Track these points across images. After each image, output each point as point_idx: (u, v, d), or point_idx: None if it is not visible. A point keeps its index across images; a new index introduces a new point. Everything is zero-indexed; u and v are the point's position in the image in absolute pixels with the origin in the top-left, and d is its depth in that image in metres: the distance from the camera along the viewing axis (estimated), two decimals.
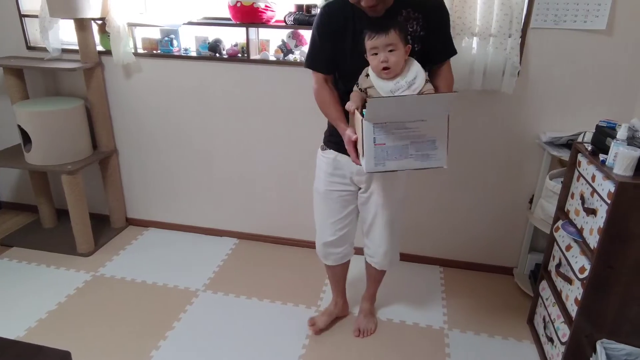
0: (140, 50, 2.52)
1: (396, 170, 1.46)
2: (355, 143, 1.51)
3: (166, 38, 2.46)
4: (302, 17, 2.26)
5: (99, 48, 2.52)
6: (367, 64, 1.51)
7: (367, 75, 1.52)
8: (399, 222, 1.90)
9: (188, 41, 2.54)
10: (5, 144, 2.80)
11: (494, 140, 2.31)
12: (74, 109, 2.48)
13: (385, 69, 1.45)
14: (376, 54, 1.45)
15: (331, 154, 1.78)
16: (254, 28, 2.37)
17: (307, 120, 2.46)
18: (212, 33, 2.48)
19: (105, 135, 2.65)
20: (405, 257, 2.63)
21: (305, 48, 2.40)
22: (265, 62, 2.39)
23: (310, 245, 2.72)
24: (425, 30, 1.57)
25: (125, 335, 2.03)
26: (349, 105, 1.51)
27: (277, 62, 2.38)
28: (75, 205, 2.51)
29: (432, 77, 1.58)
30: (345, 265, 2.07)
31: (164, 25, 2.41)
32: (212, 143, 2.64)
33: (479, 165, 2.37)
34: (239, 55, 2.41)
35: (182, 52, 2.50)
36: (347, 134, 1.52)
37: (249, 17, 2.26)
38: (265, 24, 2.31)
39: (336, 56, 1.61)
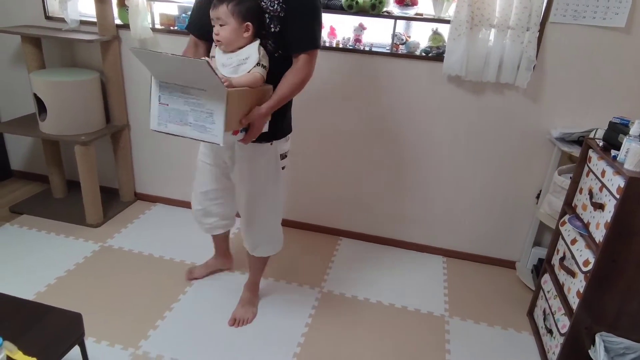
0: (157, 26, 2.53)
1: (179, 136, 1.45)
2: None
3: (184, 15, 2.47)
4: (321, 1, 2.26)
5: (117, 21, 2.54)
6: None
7: (216, 45, 1.57)
8: (268, 203, 1.83)
9: None
10: (20, 112, 2.83)
11: (503, 133, 2.32)
12: (90, 81, 2.50)
13: (217, 41, 1.50)
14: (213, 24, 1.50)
15: None
16: None
17: (316, 107, 2.47)
18: None
19: (118, 109, 2.68)
20: (409, 246, 2.67)
21: (323, 32, 2.40)
22: None
23: (314, 228, 2.77)
24: (285, 12, 1.52)
25: (131, 305, 2.07)
26: None
27: None
28: (87, 176, 2.54)
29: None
30: (221, 237, 2.19)
31: (181, 1, 2.42)
32: None
33: (487, 157, 2.39)
34: None
35: None
36: None
37: None
38: None
39: (209, 21, 1.56)
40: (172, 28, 2.50)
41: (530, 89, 2.19)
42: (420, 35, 2.35)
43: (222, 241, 2.24)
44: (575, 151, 2.04)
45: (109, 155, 2.86)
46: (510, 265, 2.56)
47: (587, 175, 1.81)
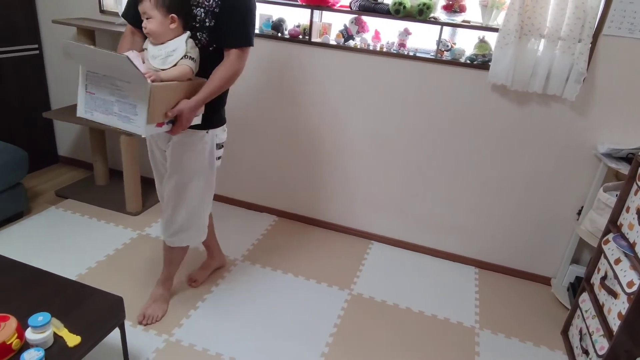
0: None
1: (105, 125, 1.48)
2: None
3: None
4: (367, 4, 2.27)
5: None
6: None
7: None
8: (199, 191, 1.81)
9: None
10: (71, 101, 2.95)
11: (546, 145, 2.27)
12: None
13: (147, 34, 1.52)
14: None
15: None
16: (318, 11, 2.40)
17: (355, 109, 2.48)
18: (276, 12, 2.53)
19: None
20: (441, 255, 2.65)
21: (367, 35, 2.42)
22: (325, 45, 2.42)
23: (347, 230, 2.78)
24: (219, 8, 1.55)
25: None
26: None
27: (337, 47, 2.40)
28: (130, 166, 2.63)
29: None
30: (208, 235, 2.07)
31: None
32: (262, 119, 2.70)
33: (528, 169, 2.34)
34: (300, 36, 2.45)
35: None
36: None
37: None
38: (330, 7, 2.34)
39: None
40: None
41: (578, 102, 2.14)
42: (466, 43, 2.33)
43: (211, 237, 2.18)
44: (623, 168, 1.98)
45: None
46: (545, 281, 2.50)
47: (636, 193, 1.75)
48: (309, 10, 2.37)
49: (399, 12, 2.20)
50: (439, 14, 2.26)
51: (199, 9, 1.55)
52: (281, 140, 2.72)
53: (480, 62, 2.22)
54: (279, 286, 2.26)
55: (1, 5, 2.67)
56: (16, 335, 1.26)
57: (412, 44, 2.38)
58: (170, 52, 1.52)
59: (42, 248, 2.33)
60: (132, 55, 1.51)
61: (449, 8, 2.20)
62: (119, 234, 2.53)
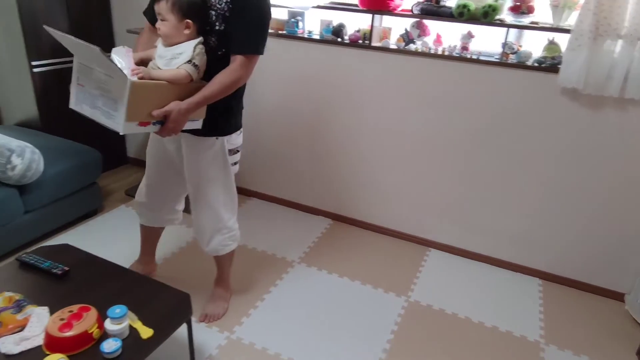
0: None
1: (91, 119, 1.45)
2: None
3: (293, 20, 2.58)
4: (430, 8, 2.25)
5: None
6: None
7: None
8: (217, 196, 1.79)
9: (312, 24, 2.64)
10: None
11: (622, 152, 2.13)
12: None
13: (160, 34, 1.50)
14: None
15: None
16: (379, 15, 2.40)
17: (415, 112, 2.45)
18: (336, 17, 2.55)
19: None
20: (503, 264, 2.56)
21: (428, 39, 2.39)
22: (385, 49, 2.41)
23: (403, 236, 2.74)
24: (230, 12, 1.50)
25: None
26: (136, 55, 1.56)
27: (398, 51, 2.39)
28: None
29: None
30: (156, 230, 2.11)
31: (294, 7, 2.52)
32: (322, 123, 2.73)
33: (600, 176, 2.21)
34: (360, 41, 2.46)
35: (305, 34, 2.60)
36: None
37: (377, 4, 2.29)
38: (391, 11, 2.33)
39: None
40: (280, 32, 2.62)
41: None
42: (533, 45, 2.24)
43: (152, 234, 2.15)
44: None
45: None
46: (617, 296, 2.35)
47: None
48: (369, 15, 2.37)
49: (462, 15, 2.16)
50: (505, 15, 2.19)
51: (210, 11, 1.53)
52: (337, 144, 2.73)
53: (549, 65, 2.13)
54: (335, 289, 2.28)
55: (81, 14, 2.88)
56: (96, 325, 1.36)
57: (475, 47, 2.32)
58: (176, 55, 1.49)
59: (114, 243, 2.48)
60: (122, 50, 1.48)
61: (517, 9, 2.13)
62: (183, 233, 2.64)
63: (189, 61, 1.48)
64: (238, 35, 1.52)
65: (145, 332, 1.41)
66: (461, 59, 2.28)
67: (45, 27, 1.41)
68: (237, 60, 1.53)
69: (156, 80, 1.46)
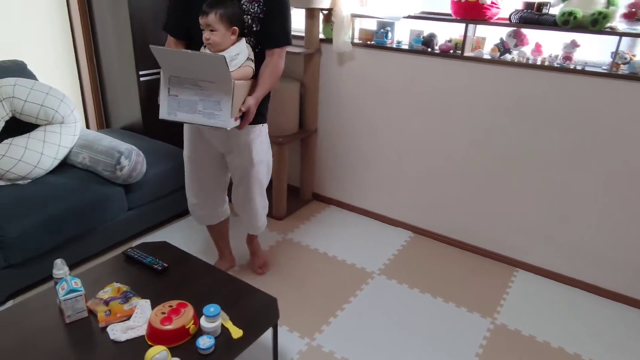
0: (356, 40, 2.69)
1: (189, 123, 1.65)
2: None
3: (382, 30, 2.58)
4: (530, 16, 2.13)
5: (321, 36, 2.77)
6: None
7: (205, 46, 1.72)
8: (262, 180, 2.08)
9: (402, 34, 2.62)
10: None
11: None
12: (292, 88, 2.78)
13: (208, 44, 1.67)
14: (203, 30, 1.66)
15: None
16: (473, 25, 2.32)
17: (507, 126, 2.33)
18: (427, 27, 2.51)
19: (311, 116, 2.92)
20: (601, 292, 2.34)
21: (526, 48, 2.27)
22: (478, 60, 2.32)
23: (489, 254, 2.61)
24: (264, 13, 1.74)
25: (308, 298, 2.23)
26: None
27: (492, 61, 2.29)
28: (279, 174, 2.83)
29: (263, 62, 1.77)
30: (219, 226, 2.27)
31: (384, 18, 2.52)
32: (407, 135, 2.69)
33: None
34: (451, 51, 2.39)
35: (394, 45, 2.59)
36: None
37: (472, 13, 2.22)
38: (487, 20, 2.25)
39: (188, 23, 1.77)
40: (369, 42, 2.63)
41: None
42: None
43: (220, 231, 2.32)
44: None
45: (295, 157, 3.14)
46: None
47: None
48: (462, 25, 2.31)
49: (567, 23, 2.02)
50: (617, 23, 2.02)
51: (246, 16, 1.74)
52: (421, 155, 2.68)
53: None
54: (416, 305, 2.22)
55: None
56: (193, 321, 1.44)
57: (579, 56, 2.16)
58: (234, 57, 1.68)
59: (203, 242, 2.62)
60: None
61: (631, 16, 1.96)
62: (267, 237, 2.73)
63: (248, 58, 1.73)
64: (272, 31, 1.77)
65: (236, 332, 1.47)
66: (563, 69, 2.13)
67: (151, 46, 1.58)
68: (275, 53, 1.79)
69: (241, 80, 1.67)
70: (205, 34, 1.67)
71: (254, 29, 1.76)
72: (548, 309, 2.24)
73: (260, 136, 1.98)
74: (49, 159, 2.31)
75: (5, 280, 2.02)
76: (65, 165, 2.43)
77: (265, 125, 2.01)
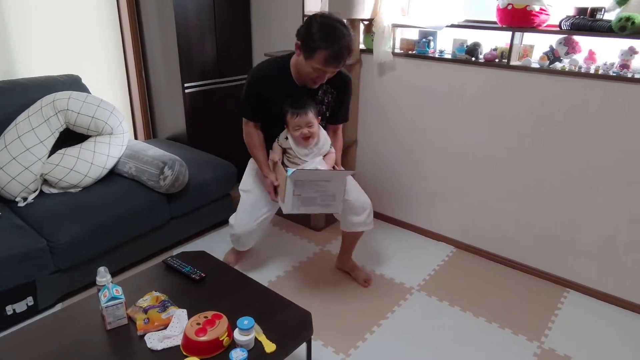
0: (397, 50, 2.65)
1: (304, 212, 1.99)
2: (275, 187, 2.02)
3: (424, 39, 2.53)
4: (582, 22, 2.02)
5: (361, 46, 2.75)
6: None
7: (287, 138, 2.00)
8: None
9: (444, 43, 2.55)
10: None
11: None
12: None
13: (306, 139, 1.96)
14: (297, 128, 1.93)
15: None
16: (520, 32, 2.23)
17: (558, 139, 2.21)
18: (471, 36, 2.43)
19: (351, 127, 2.90)
20: (635, 308, 2.16)
21: (578, 56, 2.15)
22: (526, 69, 2.22)
23: (536, 273, 2.47)
24: (336, 101, 2.11)
25: (344, 312, 2.19)
26: (273, 157, 2.03)
27: (540, 70, 2.19)
28: None
29: (329, 132, 2.13)
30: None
31: (426, 27, 2.47)
32: (450, 147, 2.61)
33: None
34: (497, 60, 2.31)
35: (437, 54, 2.53)
36: (270, 180, 2.04)
37: (519, 20, 2.13)
38: (535, 28, 2.15)
39: (264, 106, 2.03)
40: (410, 52, 2.58)
41: None
42: None
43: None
44: None
45: None
46: None
47: None
48: (509, 33, 2.22)
49: (624, 30, 1.90)
50: None
51: (322, 106, 2.07)
52: (463, 168, 2.59)
53: None
54: (457, 324, 2.13)
55: (227, 41, 3.17)
56: (227, 333, 1.44)
57: (637, 64, 2.02)
58: (321, 146, 2.03)
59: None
60: (321, 161, 2.02)
61: None
62: (304, 248, 2.72)
63: (330, 144, 2.10)
64: (340, 113, 2.18)
65: (269, 347, 1.46)
66: (620, 78, 2.00)
67: (291, 175, 1.83)
68: (339, 127, 2.23)
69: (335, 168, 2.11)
70: (305, 131, 1.94)
71: (327, 114, 2.14)
72: (601, 334, 2.09)
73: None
74: (98, 169, 2.41)
75: (55, 284, 2.12)
76: (113, 174, 2.54)
77: None
